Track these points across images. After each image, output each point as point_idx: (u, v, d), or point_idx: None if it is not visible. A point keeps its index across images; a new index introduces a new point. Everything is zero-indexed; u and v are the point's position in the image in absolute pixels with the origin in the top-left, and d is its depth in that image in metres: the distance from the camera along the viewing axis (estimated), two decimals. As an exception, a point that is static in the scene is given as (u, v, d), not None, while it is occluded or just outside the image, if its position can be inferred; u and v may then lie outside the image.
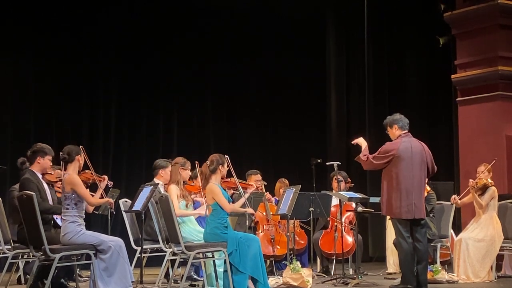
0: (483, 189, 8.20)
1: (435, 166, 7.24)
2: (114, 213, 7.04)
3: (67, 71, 10.73)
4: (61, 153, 6.41)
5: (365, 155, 7.20)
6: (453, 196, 8.46)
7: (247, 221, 8.20)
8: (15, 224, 7.06)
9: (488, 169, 8.33)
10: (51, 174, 7.01)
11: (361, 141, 7.31)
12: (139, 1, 11.26)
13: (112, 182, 7.21)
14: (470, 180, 8.32)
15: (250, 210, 7.11)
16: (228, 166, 6.88)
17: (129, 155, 11.24)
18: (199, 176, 7.37)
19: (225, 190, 6.93)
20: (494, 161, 8.67)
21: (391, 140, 7.24)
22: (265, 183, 8.83)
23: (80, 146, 6.57)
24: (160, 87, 11.46)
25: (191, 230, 7.16)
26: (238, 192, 7.51)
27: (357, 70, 12.42)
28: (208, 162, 6.83)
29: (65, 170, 6.37)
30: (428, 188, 7.45)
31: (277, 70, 11.95)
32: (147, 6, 11.23)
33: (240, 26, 11.63)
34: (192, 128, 11.82)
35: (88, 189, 6.71)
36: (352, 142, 7.44)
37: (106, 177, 6.77)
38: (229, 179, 7.28)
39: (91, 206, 6.53)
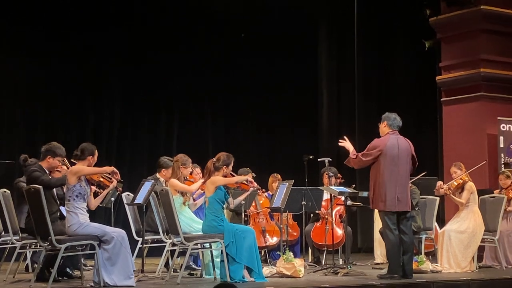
0: (460, 187, 8.18)
1: (417, 161, 7.22)
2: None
3: (75, 73, 10.70)
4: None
5: (354, 154, 7.20)
6: (439, 183, 8.40)
7: (242, 215, 8.24)
8: (25, 207, 6.98)
9: (459, 167, 8.29)
10: (58, 172, 6.98)
11: (348, 145, 7.28)
12: (142, 8, 11.21)
13: (121, 189, 7.17)
14: (445, 186, 8.19)
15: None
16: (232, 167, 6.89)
17: (132, 152, 11.22)
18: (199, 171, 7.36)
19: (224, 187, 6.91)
20: (484, 162, 8.68)
21: (379, 137, 7.24)
22: (254, 175, 8.77)
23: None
24: (161, 88, 11.42)
25: (188, 221, 7.13)
26: (234, 189, 7.50)
27: (347, 73, 12.41)
28: (214, 158, 6.83)
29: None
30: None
31: (272, 72, 11.91)
32: (149, 13, 11.22)
33: (237, 31, 11.60)
34: (191, 128, 11.79)
35: (94, 187, 6.64)
36: (340, 144, 7.38)
37: (115, 180, 6.58)
38: None
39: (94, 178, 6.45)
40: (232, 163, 6.89)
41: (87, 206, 6.34)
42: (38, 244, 6.49)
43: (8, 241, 7.58)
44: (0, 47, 10.18)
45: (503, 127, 10.44)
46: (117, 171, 6.48)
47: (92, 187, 6.57)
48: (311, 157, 9.08)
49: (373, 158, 7.06)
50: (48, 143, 7.00)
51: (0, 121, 10.47)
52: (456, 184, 8.14)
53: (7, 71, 10.25)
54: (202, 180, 7.16)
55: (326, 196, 8.70)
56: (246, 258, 6.64)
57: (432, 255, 8.55)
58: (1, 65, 10.16)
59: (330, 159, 8.56)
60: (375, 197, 7.06)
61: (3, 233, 7.82)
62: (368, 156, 7.09)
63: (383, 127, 7.25)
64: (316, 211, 8.70)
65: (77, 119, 10.92)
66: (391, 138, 7.11)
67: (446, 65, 11.03)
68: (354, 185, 8.94)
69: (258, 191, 8.00)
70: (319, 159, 8.83)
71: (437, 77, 11.16)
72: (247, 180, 7.04)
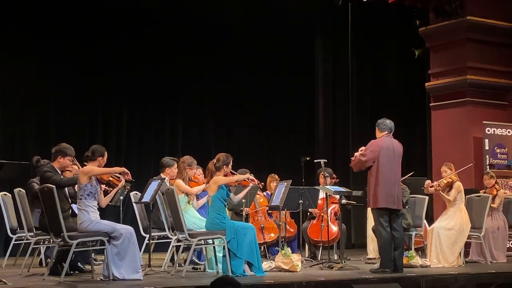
0: (449, 185, 8.23)
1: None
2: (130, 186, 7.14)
3: (83, 78, 10.74)
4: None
5: (354, 156, 7.24)
6: (427, 181, 8.45)
7: (243, 213, 8.27)
8: (37, 208, 7.06)
9: (449, 167, 8.35)
10: (69, 171, 7.01)
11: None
12: (142, 10, 11.17)
13: (129, 187, 7.18)
14: (435, 183, 8.27)
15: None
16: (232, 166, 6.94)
17: (139, 153, 11.25)
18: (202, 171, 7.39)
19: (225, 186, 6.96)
20: (471, 164, 8.69)
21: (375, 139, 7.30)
22: (252, 175, 8.81)
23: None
24: (163, 90, 11.43)
25: (192, 219, 7.17)
26: (235, 187, 7.55)
27: (342, 80, 12.47)
28: (214, 160, 6.87)
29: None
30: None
31: (272, 80, 11.93)
32: (149, 14, 11.17)
33: (237, 32, 11.59)
34: (194, 129, 11.81)
35: (104, 185, 6.68)
36: (352, 158, 7.40)
37: (123, 179, 6.56)
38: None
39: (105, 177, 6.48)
40: (231, 162, 6.93)
41: (98, 204, 6.39)
42: (51, 240, 6.51)
43: (23, 237, 7.68)
44: (9, 52, 10.19)
45: (488, 130, 10.50)
46: (128, 172, 6.54)
47: (102, 186, 6.62)
48: (308, 158, 9.13)
49: (371, 158, 7.07)
50: (58, 144, 7.04)
51: (15, 124, 10.53)
52: (445, 182, 8.21)
53: (21, 75, 10.31)
54: (204, 185, 7.24)
55: (322, 195, 8.74)
56: (246, 253, 6.69)
57: (421, 251, 8.59)
58: (14, 70, 10.21)
59: (326, 161, 8.62)
60: (373, 196, 7.07)
61: (18, 229, 7.90)
62: (365, 156, 7.12)
63: (377, 132, 7.33)
64: (310, 210, 8.75)
65: (88, 124, 10.96)
66: (386, 140, 7.17)
67: (434, 72, 11.08)
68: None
69: (259, 186, 8.04)
70: (315, 160, 8.88)
71: (426, 84, 11.21)
72: (247, 178, 7.09)
